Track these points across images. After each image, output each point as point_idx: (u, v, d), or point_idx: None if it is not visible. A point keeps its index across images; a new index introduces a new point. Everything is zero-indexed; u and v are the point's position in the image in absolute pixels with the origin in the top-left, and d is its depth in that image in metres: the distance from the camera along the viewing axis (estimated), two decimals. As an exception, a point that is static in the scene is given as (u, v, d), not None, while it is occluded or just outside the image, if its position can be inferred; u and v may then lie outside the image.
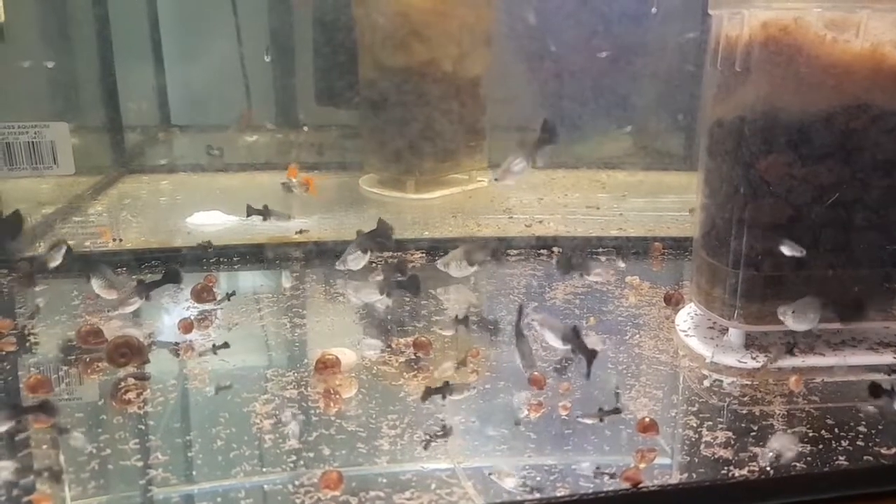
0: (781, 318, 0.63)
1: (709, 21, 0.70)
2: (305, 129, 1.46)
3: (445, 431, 0.55)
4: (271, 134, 1.46)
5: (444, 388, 0.60)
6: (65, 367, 0.65)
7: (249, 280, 0.91)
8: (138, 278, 0.77)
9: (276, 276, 0.89)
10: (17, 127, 0.89)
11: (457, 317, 0.72)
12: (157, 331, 0.73)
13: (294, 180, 1.17)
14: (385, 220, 0.80)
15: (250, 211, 0.94)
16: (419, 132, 1.21)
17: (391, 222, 0.82)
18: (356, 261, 0.79)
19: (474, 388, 0.62)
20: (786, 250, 0.62)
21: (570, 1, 1.37)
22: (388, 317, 0.78)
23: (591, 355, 0.59)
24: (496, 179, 0.66)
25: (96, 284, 0.75)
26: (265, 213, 0.94)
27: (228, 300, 0.78)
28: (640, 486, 0.49)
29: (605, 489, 0.49)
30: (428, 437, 0.55)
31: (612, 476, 0.50)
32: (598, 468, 0.51)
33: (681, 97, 1.48)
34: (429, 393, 0.60)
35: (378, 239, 0.80)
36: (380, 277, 0.80)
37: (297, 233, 1.01)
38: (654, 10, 1.02)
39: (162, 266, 0.90)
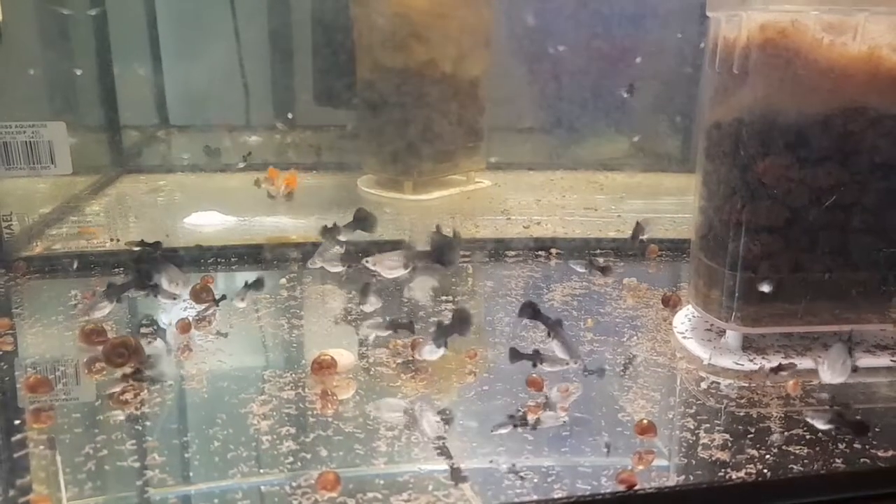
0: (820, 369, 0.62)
1: (707, 23, 0.70)
2: (290, 116, 1.45)
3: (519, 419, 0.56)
4: (270, 134, 1.46)
5: (535, 357, 0.61)
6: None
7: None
8: (109, 280, 0.75)
9: (274, 277, 0.89)
10: (15, 126, 0.88)
11: (394, 320, 0.72)
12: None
13: (273, 185, 1.17)
14: (364, 208, 0.79)
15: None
16: (418, 133, 1.22)
17: (391, 223, 0.81)
18: (331, 257, 0.79)
19: (568, 364, 0.63)
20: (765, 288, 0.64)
21: (570, 3, 1.37)
22: (386, 318, 0.77)
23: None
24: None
25: (164, 281, 0.74)
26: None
27: (217, 305, 0.77)
28: (635, 488, 0.49)
29: (602, 491, 0.49)
30: (513, 422, 0.56)
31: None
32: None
33: (679, 99, 1.48)
34: (517, 355, 0.61)
35: (358, 228, 0.79)
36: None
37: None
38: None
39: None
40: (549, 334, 0.64)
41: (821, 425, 0.55)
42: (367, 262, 0.74)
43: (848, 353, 0.61)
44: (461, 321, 0.64)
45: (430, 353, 0.63)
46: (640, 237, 0.93)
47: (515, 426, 0.56)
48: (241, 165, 1.36)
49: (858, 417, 0.57)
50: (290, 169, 1.26)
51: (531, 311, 0.64)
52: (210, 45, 1.42)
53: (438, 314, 0.78)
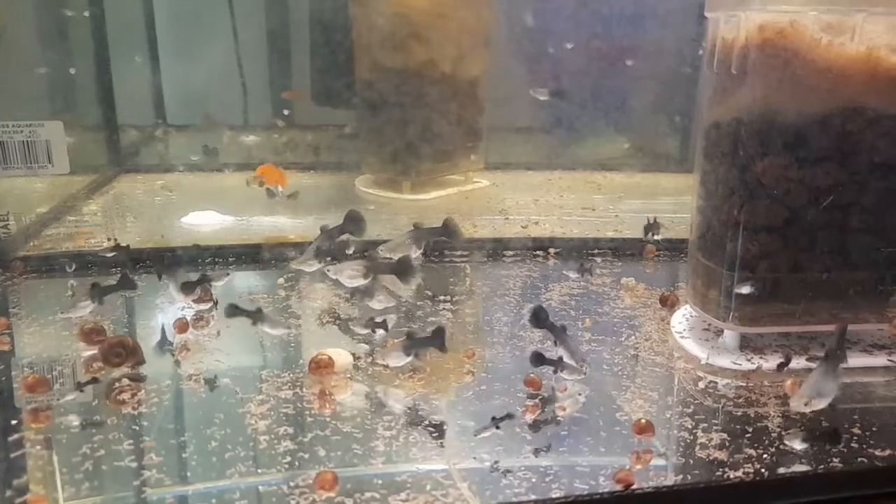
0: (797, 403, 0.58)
1: (705, 24, 0.70)
2: (286, 112, 1.45)
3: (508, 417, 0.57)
4: (268, 134, 1.46)
5: (557, 363, 0.62)
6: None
7: (245, 281, 0.90)
8: (93, 281, 0.74)
9: (272, 277, 0.89)
10: (12, 126, 0.88)
11: (373, 318, 0.72)
12: (152, 331, 0.73)
13: (264, 184, 1.16)
14: (355, 209, 0.79)
15: None
16: (417, 133, 1.21)
17: (389, 223, 0.81)
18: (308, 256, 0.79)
19: (585, 373, 0.63)
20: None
21: (569, 3, 1.37)
22: (385, 317, 0.77)
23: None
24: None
25: (172, 286, 0.74)
26: None
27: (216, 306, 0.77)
28: (632, 487, 0.49)
29: (600, 491, 0.49)
30: (496, 423, 0.56)
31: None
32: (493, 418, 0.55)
33: (678, 99, 1.48)
34: (540, 360, 0.62)
35: (349, 230, 0.78)
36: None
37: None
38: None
39: (156, 266, 0.90)
40: (554, 342, 0.64)
41: (797, 445, 0.54)
42: (327, 270, 0.74)
43: (833, 376, 0.57)
44: (436, 337, 0.64)
45: (396, 359, 0.64)
46: (655, 235, 0.96)
47: (498, 427, 0.56)
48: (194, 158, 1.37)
49: (851, 422, 0.57)
50: (277, 167, 1.25)
51: (536, 318, 0.65)
52: (208, 44, 1.41)
53: (436, 314, 0.78)
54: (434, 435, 0.55)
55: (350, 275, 0.72)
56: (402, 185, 1.24)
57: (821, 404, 0.56)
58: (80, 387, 0.60)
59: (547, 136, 1.49)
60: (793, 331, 0.71)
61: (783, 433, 0.56)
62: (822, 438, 0.54)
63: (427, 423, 0.57)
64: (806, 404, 0.56)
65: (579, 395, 0.62)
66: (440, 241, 0.89)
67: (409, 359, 0.64)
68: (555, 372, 0.63)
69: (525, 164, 1.48)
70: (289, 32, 1.43)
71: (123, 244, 0.90)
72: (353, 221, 0.78)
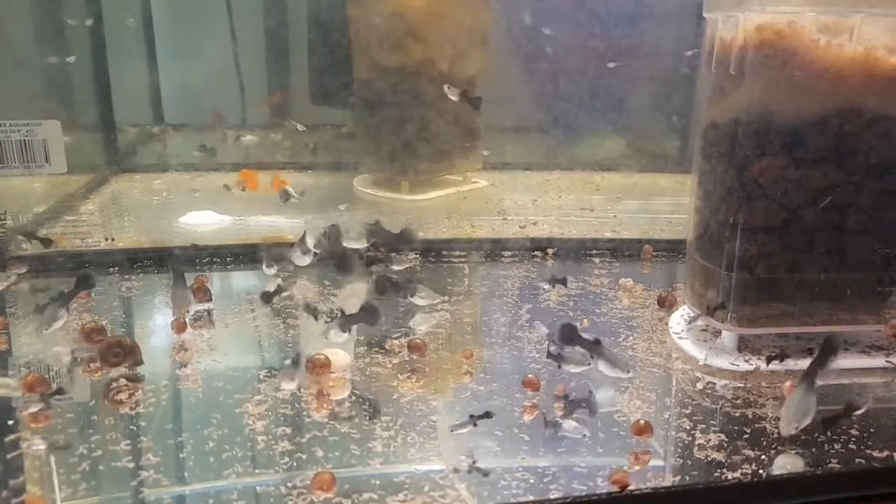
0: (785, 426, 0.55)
1: (703, 24, 0.70)
2: (299, 127, 1.44)
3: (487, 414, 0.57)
4: (265, 133, 1.46)
5: (559, 359, 0.63)
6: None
7: (243, 281, 0.90)
8: (54, 292, 0.71)
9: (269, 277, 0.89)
10: (9, 125, 0.88)
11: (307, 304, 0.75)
12: (150, 331, 0.73)
13: (288, 188, 1.16)
14: (336, 225, 0.80)
15: None
16: (414, 132, 1.21)
17: (387, 224, 0.81)
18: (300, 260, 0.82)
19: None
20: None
21: (567, 3, 1.37)
22: (383, 317, 0.77)
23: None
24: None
25: (178, 293, 0.73)
26: None
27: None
28: (629, 488, 0.49)
29: (598, 492, 0.49)
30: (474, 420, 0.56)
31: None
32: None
33: (676, 99, 1.48)
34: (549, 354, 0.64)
35: (328, 243, 0.79)
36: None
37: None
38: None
39: (154, 266, 0.90)
40: (591, 356, 0.62)
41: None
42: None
43: (813, 391, 0.55)
44: (368, 313, 0.67)
45: (336, 336, 0.66)
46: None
47: (475, 425, 0.56)
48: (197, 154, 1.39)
49: (849, 423, 0.57)
50: (247, 168, 1.25)
51: (567, 336, 0.62)
52: (206, 43, 1.41)
53: (434, 313, 0.78)
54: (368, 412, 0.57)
55: (298, 256, 0.77)
56: (400, 184, 1.24)
57: (807, 420, 0.55)
58: (52, 395, 0.59)
59: (545, 135, 1.49)
60: (790, 332, 0.72)
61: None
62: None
63: (361, 401, 0.58)
64: (796, 428, 0.55)
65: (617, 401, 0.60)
66: (393, 245, 0.89)
67: (346, 336, 0.66)
68: (559, 367, 0.63)
69: (524, 164, 1.48)
70: (287, 32, 1.43)
71: (39, 237, 0.91)
72: (333, 234, 0.80)
